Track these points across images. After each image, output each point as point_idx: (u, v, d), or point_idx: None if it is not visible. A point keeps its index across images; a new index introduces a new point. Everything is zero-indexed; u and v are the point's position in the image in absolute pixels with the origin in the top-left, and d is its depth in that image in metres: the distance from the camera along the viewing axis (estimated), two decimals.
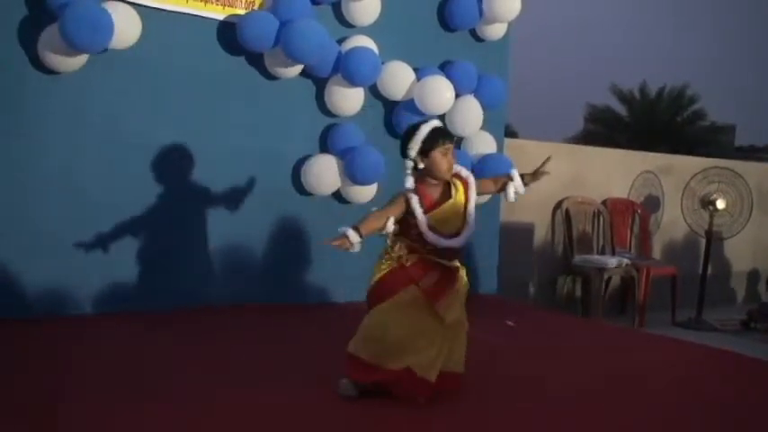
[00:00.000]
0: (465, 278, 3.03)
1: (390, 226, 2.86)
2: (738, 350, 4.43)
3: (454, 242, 2.92)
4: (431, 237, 2.86)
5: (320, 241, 2.86)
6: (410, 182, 2.92)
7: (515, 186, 3.07)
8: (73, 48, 3.66)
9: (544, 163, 3.13)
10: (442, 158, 2.90)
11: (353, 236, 2.73)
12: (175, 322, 3.90)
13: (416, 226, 2.88)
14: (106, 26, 3.67)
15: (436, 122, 2.98)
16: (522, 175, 3.08)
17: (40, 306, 3.82)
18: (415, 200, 2.87)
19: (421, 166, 2.90)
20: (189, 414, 2.62)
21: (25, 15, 3.77)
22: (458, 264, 2.99)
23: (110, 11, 3.71)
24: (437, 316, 2.84)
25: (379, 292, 2.91)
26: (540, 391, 3.12)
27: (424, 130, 2.90)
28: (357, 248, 2.75)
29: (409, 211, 2.87)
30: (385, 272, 2.90)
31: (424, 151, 2.88)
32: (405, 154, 2.91)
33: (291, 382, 3.00)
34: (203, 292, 4.31)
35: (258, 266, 4.52)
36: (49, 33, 3.69)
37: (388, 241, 2.94)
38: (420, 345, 2.80)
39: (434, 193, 2.94)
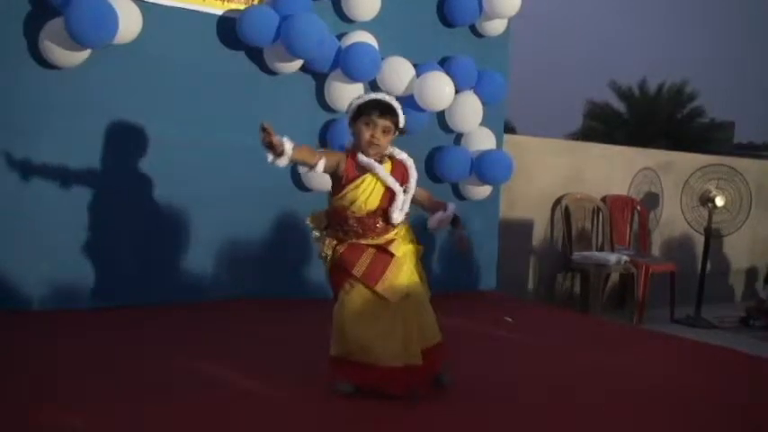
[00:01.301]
0: (411, 246, 2.87)
1: (320, 168, 2.74)
2: (737, 347, 4.43)
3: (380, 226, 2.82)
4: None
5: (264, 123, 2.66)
6: (350, 143, 2.86)
7: (443, 218, 2.90)
8: (78, 43, 3.65)
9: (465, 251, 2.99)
10: (364, 129, 2.77)
11: (288, 145, 2.61)
12: (174, 317, 3.89)
13: (338, 212, 2.81)
14: (112, 21, 3.66)
15: (384, 96, 2.83)
16: (455, 218, 2.92)
17: (38, 300, 3.82)
18: (349, 163, 2.77)
19: (350, 131, 2.82)
20: (188, 410, 2.61)
21: (27, 10, 3.75)
22: (391, 237, 2.84)
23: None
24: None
25: (333, 292, 2.90)
26: (538, 388, 3.12)
27: (364, 98, 2.81)
28: (283, 162, 2.62)
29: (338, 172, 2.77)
30: (329, 269, 2.88)
31: (354, 118, 2.80)
32: None
33: (292, 376, 2.99)
34: (202, 287, 4.31)
35: (257, 262, 4.51)
36: (51, 28, 3.68)
37: (316, 242, 2.89)
38: (386, 335, 2.71)
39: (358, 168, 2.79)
